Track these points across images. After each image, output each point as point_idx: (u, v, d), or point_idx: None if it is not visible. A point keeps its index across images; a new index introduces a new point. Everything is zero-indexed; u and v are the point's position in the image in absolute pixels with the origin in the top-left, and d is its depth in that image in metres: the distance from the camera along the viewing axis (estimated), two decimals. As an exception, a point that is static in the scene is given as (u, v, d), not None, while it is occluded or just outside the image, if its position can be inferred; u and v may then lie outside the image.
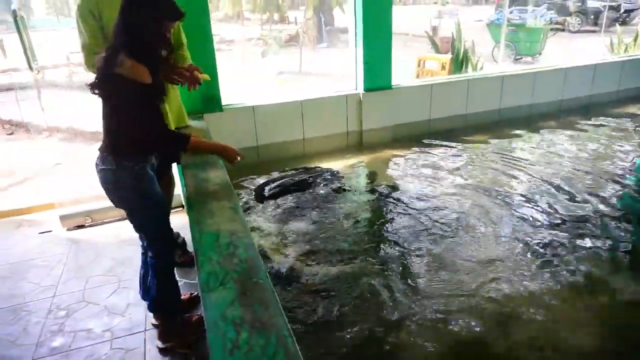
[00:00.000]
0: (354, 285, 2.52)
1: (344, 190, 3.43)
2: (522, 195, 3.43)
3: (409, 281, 2.53)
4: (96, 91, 1.84)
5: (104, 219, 3.52)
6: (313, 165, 3.82)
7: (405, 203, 3.31)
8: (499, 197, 3.39)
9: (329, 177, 3.67)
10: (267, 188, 3.54)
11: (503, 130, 4.52)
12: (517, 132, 4.57)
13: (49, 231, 3.46)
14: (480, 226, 3.01)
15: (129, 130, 1.84)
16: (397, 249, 2.83)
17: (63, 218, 3.45)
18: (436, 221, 3.08)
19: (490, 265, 2.66)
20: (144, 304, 2.38)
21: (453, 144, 4.23)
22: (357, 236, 2.96)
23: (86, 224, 3.50)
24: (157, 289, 2.12)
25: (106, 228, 3.45)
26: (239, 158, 2.13)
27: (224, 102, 3.58)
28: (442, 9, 14.99)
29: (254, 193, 3.54)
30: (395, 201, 3.34)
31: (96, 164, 1.91)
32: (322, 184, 3.51)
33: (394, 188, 3.48)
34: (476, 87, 4.56)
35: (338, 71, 9.50)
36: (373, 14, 3.81)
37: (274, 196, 3.46)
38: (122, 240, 3.24)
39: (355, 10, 3.84)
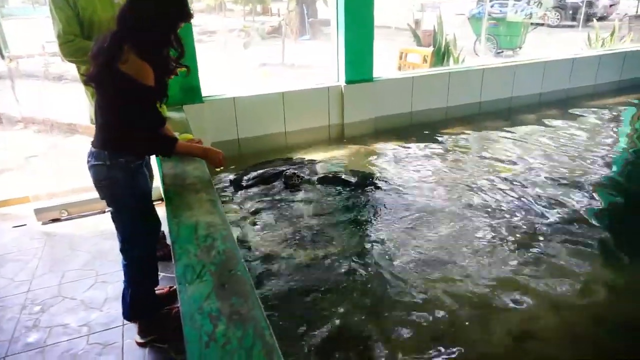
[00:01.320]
0: (330, 274, 2.53)
1: (324, 181, 3.42)
2: (500, 189, 3.49)
3: (386, 269, 2.56)
4: (92, 84, 1.76)
5: (80, 212, 3.45)
6: (293, 157, 3.80)
7: (384, 195, 3.33)
8: (478, 190, 3.44)
9: (309, 168, 3.66)
10: (245, 177, 3.50)
11: (484, 123, 4.58)
12: (498, 124, 4.64)
13: (24, 225, 3.37)
14: (458, 218, 3.05)
15: (126, 127, 1.78)
16: (373, 239, 2.86)
17: (38, 212, 3.36)
18: (414, 213, 3.11)
19: (470, 255, 2.70)
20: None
21: (434, 137, 4.27)
22: (333, 227, 2.96)
23: (62, 218, 3.41)
24: (133, 292, 2.08)
25: (82, 221, 3.38)
26: (222, 165, 2.10)
27: (204, 93, 3.52)
28: (425, 2, 15.02)
29: (231, 181, 3.50)
30: (374, 192, 3.37)
31: (88, 159, 1.83)
32: (298, 172, 3.51)
33: (374, 180, 3.50)
34: (457, 80, 4.60)
35: (320, 63, 9.47)
36: (354, 6, 3.79)
37: (251, 186, 3.42)
38: (99, 233, 3.18)
39: (337, 1, 3.82)
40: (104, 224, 3.29)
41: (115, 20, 1.72)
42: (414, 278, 2.49)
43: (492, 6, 13.22)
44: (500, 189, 3.47)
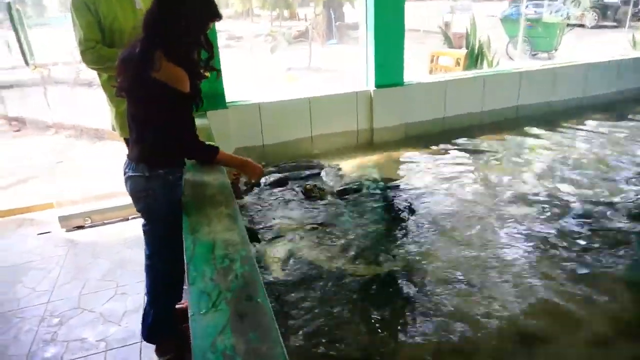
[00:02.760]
0: (357, 300, 2.35)
1: (346, 193, 3.24)
2: (539, 200, 3.22)
3: (411, 286, 2.36)
4: (123, 94, 1.68)
5: (103, 219, 3.41)
6: (313, 160, 3.64)
7: (411, 205, 3.12)
8: (515, 201, 3.19)
9: (329, 173, 3.49)
10: (262, 181, 3.36)
11: (521, 129, 4.30)
12: (536, 131, 4.35)
13: (48, 232, 3.36)
14: (493, 233, 2.82)
15: (164, 137, 1.70)
16: (397, 252, 2.65)
17: (62, 219, 3.34)
18: (444, 225, 2.88)
19: (505, 270, 2.48)
20: (141, 311, 2.25)
21: (468, 144, 4.03)
22: (359, 241, 2.75)
23: (85, 225, 3.39)
24: (155, 314, 1.98)
25: (106, 229, 3.34)
26: (262, 179, 2.03)
27: (228, 99, 3.43)
28: (455, 4, 14.66)
29: (247, 187, 3.36)
30: (401, 203, 3.15)
31: (124, 171, 1.77)
32: (319, 180, 3.34)
33: (401, 189, 3.29)
34: (493, 84, 4.35)
35: (348, 67, 9.33)
36: (384, 8, 3.63)
37: (269, 186, 3.28)
38: (122, 241, 3.12)
39: (366, 4, 3.67)
40: (127, 231, 3.25)
41: (141, 26, 1.63)
42: (445, 298, 2.28)
43: (526, 7, 12.78)
44: (538, 201, 3.21)
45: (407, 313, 2.21)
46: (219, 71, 1.92)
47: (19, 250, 3.11)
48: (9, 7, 2.53)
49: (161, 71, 1.55)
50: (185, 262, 1.43)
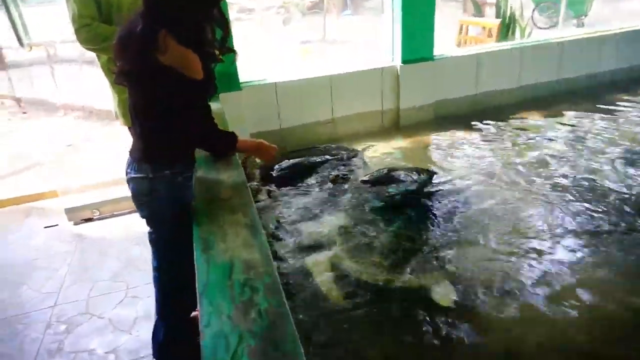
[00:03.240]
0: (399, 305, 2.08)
1: (372, 182, 2.91)
2: (591, 190, 2.86)
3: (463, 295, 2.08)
4: (125, 82, 1.41)
5: (112, 211, 3.21)
6: (334, 144, 3.30)
7: (443, 199, 2.78)
8: (557, 192, 2.82)
9: (349, 156, 3.18)
10: (276, 167, 3.07)
11: (562, 106, 3.89)
12: (579, 107, 3.92)
13: (55, 225, 3.17)
14: (533, 229, 2.48)
15: (171, 132, 1.45)
16: (427, 255, 2.32)
17: (69, 211, 3.14)
18: (484, 224, 2.54)
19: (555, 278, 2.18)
20: (153, 318, 2.04)
21: (504, 123, 3.65)
22: (381, 233, 2.45)
23: (94, 217, 3.19)
24: (166, 330, 1.75)
25: (115, 222, 3.14)
26: (274, 161, 1.78)
27: (242, 79, 3.12)
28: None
29: (259, 172, 3.08)
30: (433, 195, 2.82)
31: (126, 171, 1.51)
32: (339, 166, 3.02)
33: (432, 178, 2.94)
34: (530, 56, 3.93)
35: (365, 40, 8.84)
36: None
37: (283, 178, 2.99)
38: (131, 236, 2.91)
39: (392, -32, 3.28)
40: (137, 224, 2.98)
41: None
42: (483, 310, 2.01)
43: (554, -31, 11.96)
44: (583, 189, 2.85)
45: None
46: (235, 52, 1.61)
47: (25, 246, 2.95)
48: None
49: (167, 54, 1.27)
50: (197, 292, 1.18)
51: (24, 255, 2.85)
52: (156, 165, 1.48)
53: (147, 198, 1.52)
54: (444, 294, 2.02)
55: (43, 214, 3.41)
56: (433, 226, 2.47)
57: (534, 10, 10.33)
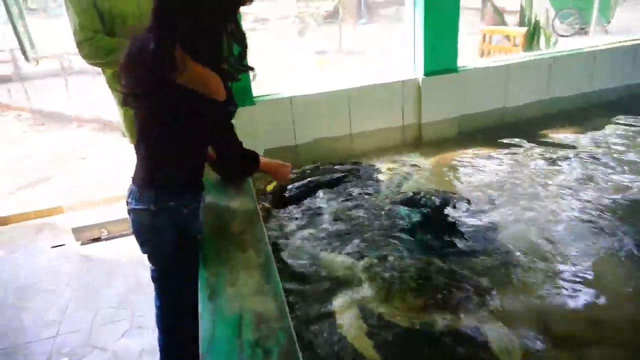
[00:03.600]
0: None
1: (390, 201, 2.69)
2: (628, 211, 2.59)
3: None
4: (130, 102, 1.27)
5: (121, 231, 3.07)
6: (351, 161, 3.09)
7: (467, 224, 2.50)
8: (598, 213, 2.57)
9: (368, 176, 2.99)
10: (290, 186, 2.88)
11: (597, 120, 3.63)
12: (615, 122, 3.64)
13: (62, 245, 3.06)
14: (575, 257, 2.23)
15: (181, 158, 1.32)
16: (466, 289, 2.04)
17: (77, 230, 3.03)
18: (513, 248, 2.28)
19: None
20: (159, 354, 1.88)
21: (533, 140, 3.39)
22: (410, 265, 2.18)
23: (102, 237, 3.06)
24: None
25: (123, 242, 3.01)
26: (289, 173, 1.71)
27: (255, 93, 2.98)
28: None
29: (271, 196, 2.90)
30: (455, 220, 2.54)
31: (127, 200, 1.37)
32: (357, 186, 2.81)
33: (457, 201, 2.68)
34: (562, 67, 3.71)
35: (381, 49, 8.70)
36: (438, -20, 3.07)
37: (295, 199, 2.80)
38: (139, 257, 2.74)
39: (415, -25, 3.11)
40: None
41: (151, 11, 1.20)
42: None
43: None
44: (623, 211, 2.58)
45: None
46: (253, 70, 1.47)
47: (31, 267, 2.84)
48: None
49: (186, 73, 1.15)
50: (200, 350, 1.01)
51: (29, 277, 2.73)
52: (160, 195, 1.33)
53: (148, 233, 1.36)
54: (506, 345, 1.73)
55: (54, 230, 3.32)
56: (466, 255, 2.24)
57: (554, 18, 10.08)
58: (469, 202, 2.69)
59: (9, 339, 2.24)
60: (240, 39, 1.32)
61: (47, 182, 4.38)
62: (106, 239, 3.06)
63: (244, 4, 1.31)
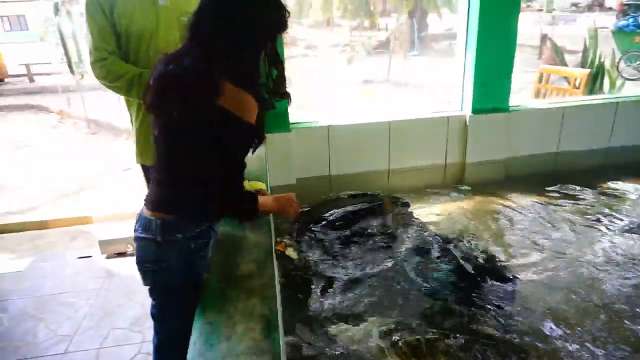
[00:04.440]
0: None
1: (425, 246, 2.46)
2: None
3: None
4: (168, 129, 1.23)
5: (146, 248, 3.05)
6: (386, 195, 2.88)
7: (500, 279, 2.20)
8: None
9: (397, 212, 2.77)
10: (313, 219, 2.72)
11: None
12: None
13: (89, 256, 3.08)
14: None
15: (204, 184, 1.24)
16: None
17: (103, 244, 3.04)
18: (558, 313, 1.96)
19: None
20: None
21: (587, 191, 3.08)
22: (446, 328, 1.94)
23: (127, 252, 3.05)
24: None
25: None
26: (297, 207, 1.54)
27: (292, 119, 2.91)
28: (557, 14, 13.16)
29: (291, 225, 2.74)
30: (486, 271, 2.24)
31: (135, 227, 1.30)
32: (385, 222, 2.59)
33: (497, 252, 2.40)
34: (626, 113, 3.39)
35: (431, 82, 8.54)
36: (494, 14, 2.89)
37: (315, 230, 2.63)
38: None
39: (469, 8, 2.96)
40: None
41: (186, 34, 1.18)
42: None
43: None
44: None
45: None
46: (289, 96, 1.38)
47: (55, 277, 2.86)
48: (55, 8, 2.21)
49: (224, 96, 1.11)
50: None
51: (52, 287, 2.75)
52: (168, 225, 1.24)
53: (151, 265, 1.27)
54: None
55: (87, 239, 3.37)
56: (505, 317, 1.98)
57: (620, 60, 9.59)
58: (505, 253, 2.43)
59: (20, 352, 2.22)
60: (278, 65, 1.27)
61: (91, 190, 4.52)
62: (131, 255, 3.05)
63: (282, 31, 1.24)
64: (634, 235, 2.61)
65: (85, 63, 2.92)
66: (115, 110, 6.16)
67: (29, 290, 2.73)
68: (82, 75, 2.96)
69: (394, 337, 1.76)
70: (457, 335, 1.81)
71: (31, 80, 11.65)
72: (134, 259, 2.91)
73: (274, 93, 1.31)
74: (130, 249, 3.05)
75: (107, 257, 3.04)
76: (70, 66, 2.73)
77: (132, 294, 2.64)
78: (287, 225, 2.53)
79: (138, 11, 1.71)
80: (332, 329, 1.81)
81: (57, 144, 6.39)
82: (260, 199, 1.35)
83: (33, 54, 12.75)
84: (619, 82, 5.02)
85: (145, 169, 2.06)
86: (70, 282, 2.79)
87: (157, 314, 1.35)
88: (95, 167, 5.25)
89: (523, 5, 2.82)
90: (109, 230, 3.26)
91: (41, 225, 3.76)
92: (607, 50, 6.08)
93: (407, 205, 2.88)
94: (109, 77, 1.72)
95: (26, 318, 2.47)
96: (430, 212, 2.83)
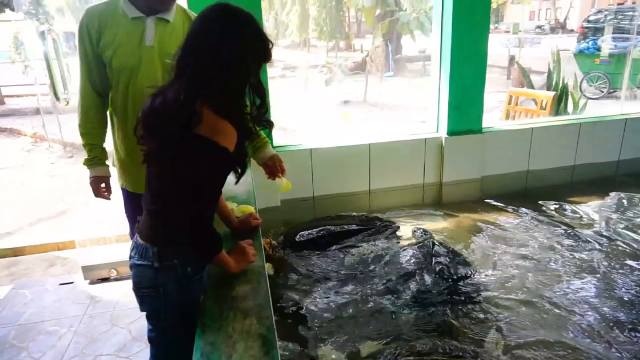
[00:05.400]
0: None
1: (401, 256, 2.58)
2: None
3: None
4: (154, 160, 1.27)
5: (130, 272, 3.03)
6: (369, 216, 3.01)
7: (479, 293, 2.37)
8: (623, 293, 2.38)
9: (383, 232, 2.89)
10: (300, 234, 2.81)
11: (626, 190, 3.48)
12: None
13: (70, 283, 3.03)
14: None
15: (195, 213, 1.24)
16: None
17: (86, 269, 3.00)
18: (533, 326, 2.14)
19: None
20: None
21: (556, 207, 3.25)
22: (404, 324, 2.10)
23: (111, 277, 3.02)
24: None
25: (130, 284, 2.95)
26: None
27: (276, 143, 2.99)
28: (523, 37, 13.82)
29: (282, 238, 2.83)
30: (464, 287, 2.41)
31: (130, 254, 1.32)
32: (371, 240, 2.71)
33: (475, 271, 2.54)
34: (590, 132, 3.63)
35: (405, 102, 8.83)
36: (465, 38, 3.08)
37: (306, 243, 2.71)
38: (143, 305, 2.70)
39: (441, 32, 3.14)
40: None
41: (174, 65, 1.22)
42: None
43: (603, 41, 11.83)
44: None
45: None
46: (272, 125, 1.44)
47: (37, 304, 2.80)
48: (42, 35, 2.26)
49: (203, 124, 1.14)
50: None
51: (33, 315, 2.69)
52: (165, 252, 1.28)
53: (148, 291, 1.31)
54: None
55: (66, 264, 3.32)
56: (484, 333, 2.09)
57: (582, 80, 10.14)
58: (481, 270, 2.56)
59: (2, 382, 2.16)
60: (260, 93, 1.31)
61: (67, 214, 4.44)
62: (115, 280, 3.02)
63: (265, 62, 1.31)
64: (595, 244, 2.79)
65: (69, 90, 2.93)
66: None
67: (8, 319, 2.66)
68: (67, 102, 2.97)
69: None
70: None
71: (1, 102, 11.40)
72: (117, 284, 2.90)
73: (258, 121, 1.36)
74: (114, 273, 3.02)
75: (90, 283, 3.00)
76: (55, 94, 2.74)
77: (117, 320, 2.61)
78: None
79: (124, 46, 1.70)
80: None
81: (32, 168, 6.27)
82: (223, 253, 1.35)
83: (2, 76, 12.48)
84: (581, 103, 5.33)
85: (126, 193, 2.05)
86: (52, 310, 2.74)
87: (155, 338, 1.38)
88: (71, 190, 5.17)
89: (491, 27, 3.03)
90: (88, 256, 3.20)
91: (17, 252, 3.67)
92: (571, 70, 6.46)
93: (390, 223, 2.99)
94: (82, 128, 1.82)
95: (7, 347, 2.41)
96: (409, 231, 2.94)
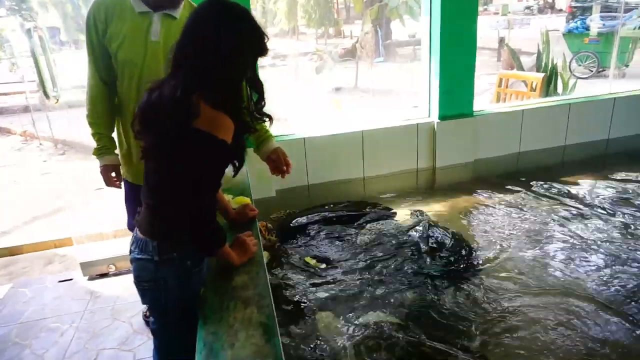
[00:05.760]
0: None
1: (396, 239, 2.63)
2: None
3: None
4: (152, 155, 1.28)
5: (128, 267, 3.04)
6: (362, 202, 3.04)
7: (486, 277, 2.42)
8: (612, 265, 2.45)
9: (380, 216, 2.93)
10: (295, 220, 2.83)
11: (615, 169, 3.54)
12: (631, 170, 3.55)
13: (70, 279, 3.04)
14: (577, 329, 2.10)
15: (195, 206, 1.25)
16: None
17: (85, 265, 3.01)
18: (529, 305, 2.19)
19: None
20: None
21: (549, 187, 3.30)
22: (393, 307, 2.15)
23: (110, 273, 3.04)
24: None
25: (129, 279, 2.96)
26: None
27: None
28: (513, 18, 13.77)
29: (277, 225, 2.86)
30: (472, 272, 2.45)
31: (130, 249, 1.34)
32: (367, 224, 2.75)
33: (471, 253, 2.61)
34: (580, 112, 3.66)
35: (397, 87, 8.81)
36: (454, 23, 3.08)
37: (301, 229, 2.74)
38: (144, 299, 2.72)
39: (430, 18, 3.14)
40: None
41: (171, 60, 1.24)
42: None
43: (591, 20, 11.83)
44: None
45: None
46: (271, 118, 1.44)
47: (37, 302, 2.82)
48: (28, 33, 2.23)
49: (200, 117, 1.15)
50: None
51: (34, 313, 2.71)
52: (165, 246, 1.30)
53: (149, 284, 1.33)
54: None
55: (64, 262, 3.33)
56: (480, 310, 2.14)
57: (571, 60, 10.17)
58: (478, 252, 2.61)
59: (7, 380, 2.19)
60: (258, 86, 1.32)
61: (63, 212, 4.43)
62: (114, 275, 3.04)
63: (261, 56, 1.32)
64: (587, 222, 2.86)
65: (59, 87, 2.90)
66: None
67: (10, 317, 2.68)
68: (57, 100, 2.94)
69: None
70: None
71: (-12, 101, 11.21)
72: (116, 279, 2.92)
73: (257, 115, 1.36)
74: (113, 269, 3.04)
75: (89, 279, 3.01)
76: (45, 92, 2.71)
77: (118, 314, 2.64)
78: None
79: (130, 40, 1.70)
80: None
81: (24, 167, 6.22)
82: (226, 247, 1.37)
83: (-12, 74, 12.26)
84: (571, 83, 5.36)
85: (129, 185, 2.07)
86: (52, 307, 2.76)
87: (158, 330, 1.41)
88: (65, 188, 5.15)
89: (480, 9, 3.03)
90: (86, 252, 3.22)
91: (14, 251, 3.67)
92: (560, 51, 6.48)
93: (385, 208, 3.03)
94: (89, 118, 1.82)
95: (10, 346, 2.43)
96: (406, 214, 2.98)
